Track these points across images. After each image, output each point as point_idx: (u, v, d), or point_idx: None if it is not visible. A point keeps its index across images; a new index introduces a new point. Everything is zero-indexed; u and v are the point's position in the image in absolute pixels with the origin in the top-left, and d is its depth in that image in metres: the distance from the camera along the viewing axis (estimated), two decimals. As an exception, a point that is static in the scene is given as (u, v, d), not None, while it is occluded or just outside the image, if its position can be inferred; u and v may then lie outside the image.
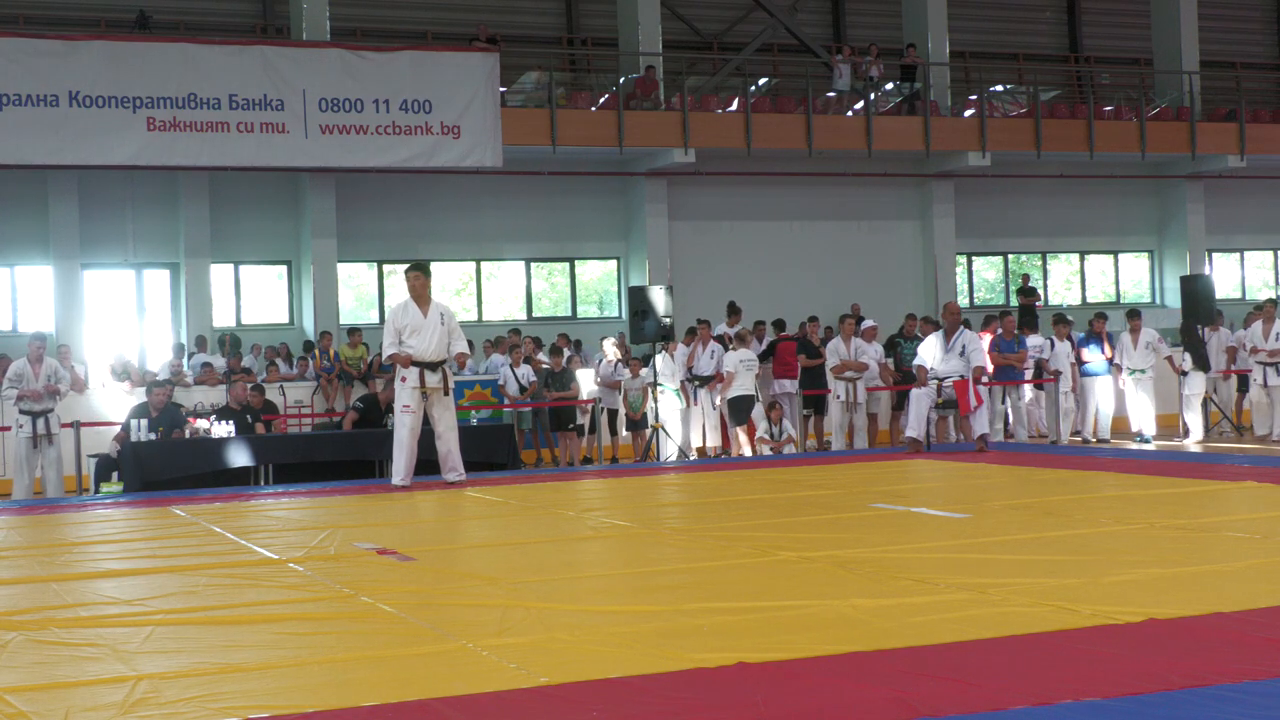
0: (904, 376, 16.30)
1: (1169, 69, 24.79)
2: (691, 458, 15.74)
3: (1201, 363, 16.26)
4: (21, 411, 13.33)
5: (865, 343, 16.34)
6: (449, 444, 11.35)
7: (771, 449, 15.69)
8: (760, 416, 15.97)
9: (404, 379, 11.15)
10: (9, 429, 13.79)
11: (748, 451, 15.77)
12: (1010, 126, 22.80)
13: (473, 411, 15.70)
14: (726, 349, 16.41)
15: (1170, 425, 16.78)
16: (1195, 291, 17.29)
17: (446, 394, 11.32)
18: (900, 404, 16.42)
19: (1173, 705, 3.74)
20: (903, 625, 4.88)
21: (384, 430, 14.50)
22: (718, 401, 16.24)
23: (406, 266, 11.58)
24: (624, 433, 16.83)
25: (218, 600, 5.91)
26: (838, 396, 16.03)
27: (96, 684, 4.36)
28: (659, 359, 16.25)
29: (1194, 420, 16.33)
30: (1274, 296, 16.55)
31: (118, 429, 13.50)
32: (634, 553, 7.30)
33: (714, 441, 16.49)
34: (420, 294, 11.26)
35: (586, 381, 17.32)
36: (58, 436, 13.41)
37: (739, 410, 15.83)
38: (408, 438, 11.14)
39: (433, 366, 11.16)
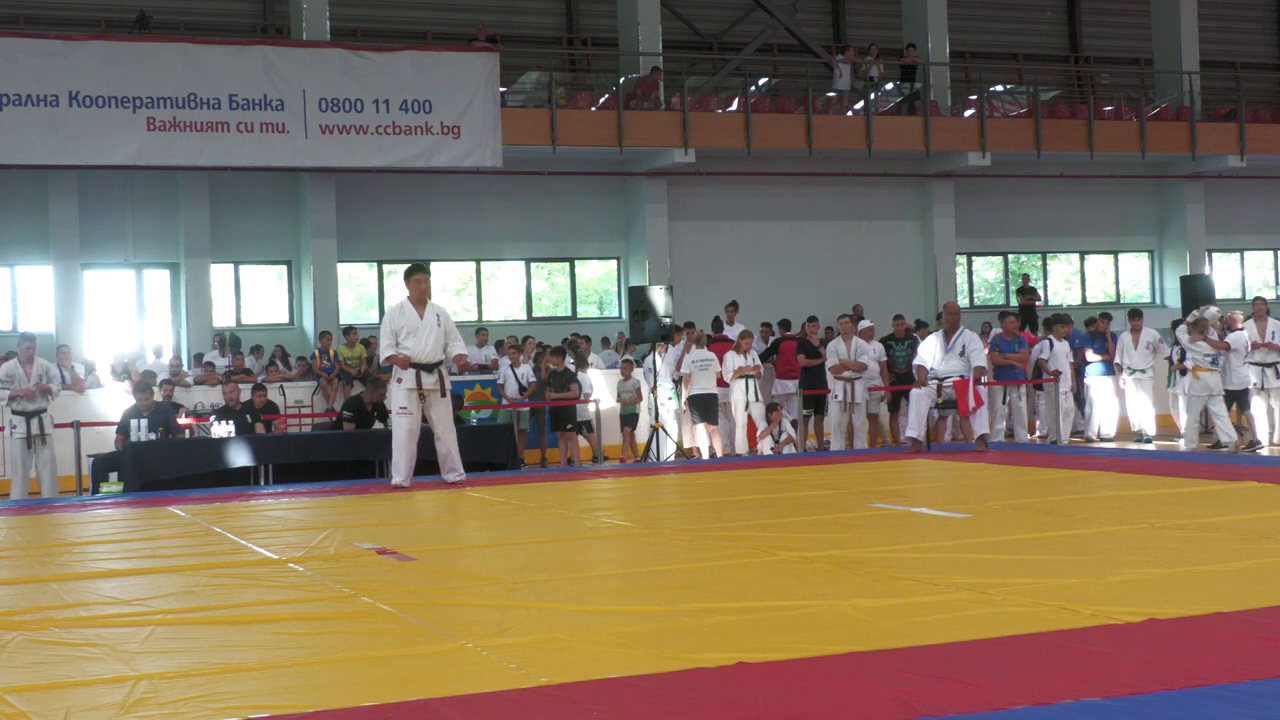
0: (896, 378, 16.31)
1: (1169, 69, 24.79)
2: (703, 457, 15.74)
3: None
4: (14, 412, 13.35)
5: (864, 342, 16.33)
6: (448, 444, 11.26)
7: (771, 449, 15.69)
8: (760, 416, 15.98)
9: (399, 380, 11.06)
10: (2, 429, 13.81)
11: (718, 450, 15.78)
12: (1010, 126, 22.80)
13: (472, 411, 15.73)
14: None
15: (1168, 426, 16.79)
16: (1195, 291, 17.30)
17: (444, 395, 11.22)
18: (896, 405, 16.43)
19: (1173, 705, 3.74)
20: (903, 625, 4.88)
21: (384, 431, 14.52)
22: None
23: (408, 268, 11.41)
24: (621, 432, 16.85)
25: (218, 600, 5.91)
26: (835, 396, 16.03)
27: (96, 684, 4.35)
28: (657, 359, 16.28)
29: (1186, 422, 16.35)
30: (1261, 295, 16.65)
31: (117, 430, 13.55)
32: (634, 553, 7.29)
33: (691, 442, 16.51)
34: (422, 297, 11.17)
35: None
36: (51, 437, 13.42)
37: (696, 409, 15.86)
38: (406, 439, 11.08)
39: (429, 368, 11.06)
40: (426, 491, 10.88)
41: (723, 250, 22.26)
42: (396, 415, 11.14)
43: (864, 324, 16.80)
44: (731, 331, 17.58)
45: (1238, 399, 15.18)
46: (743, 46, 24.10)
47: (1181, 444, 14.87)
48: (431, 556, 7.08)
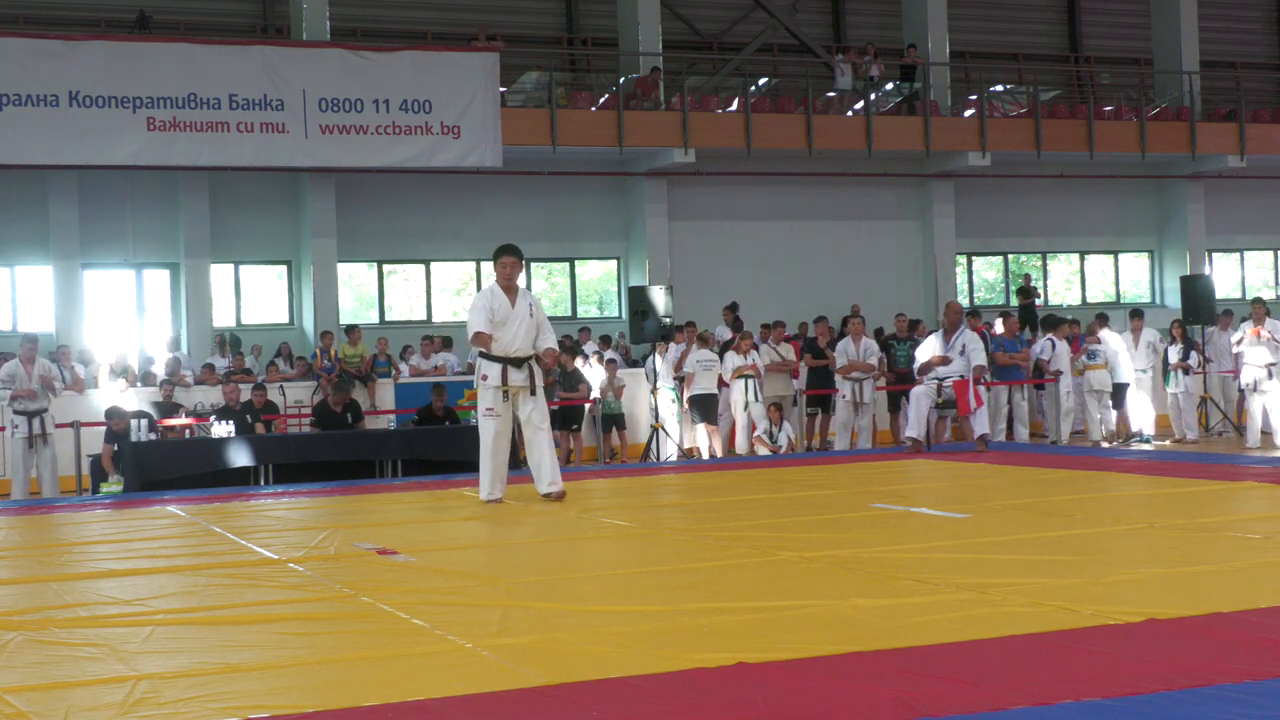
0: (897, 377, 16.33)
1: (1169, 69, 24.79)
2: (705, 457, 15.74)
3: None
4: (16, 412, 13.36)
5: (874, 343, 16.36)
6: (540, 451, 9.74)
7: (770, 450, 15.69)
8: (760, 416, 15.98)
9: (485, 377, 9.65)
10: (3, 429, 13.81)
11: (718, 451, 15.78)
12: (1010, 126, 22.80)
13: (473, 411, 15.72)
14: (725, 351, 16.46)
15: (1168, 426, 16.82)
16: (1195, 291, 17.30)
17: (534, 394, 9.75)
18: (895, 405, 16.45)
19: (1173, 705, 3.73)
20: (903, 625, 4.87)
21: (383, 431, 14.53)
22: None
23: (497, 249, 9.88)
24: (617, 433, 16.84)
25: (218, 600, 5.90)
26: (844, 396, 16.06)
27: (96, 684, 4.35)
28: (658, 359, 16.29)
29: (1190, 421, 16.40)
30: (1260, 297, 16.77)
31: (106, 443, 13.60)
32: (634, 553, 7.29)
33: (692, 442, 16.52)
34: (511, 282, 9.74)
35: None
36: (52, 436, 13.43)
37: (699, 409, 15.85)
38: (492, 445, 9.66)
39: (518, 363, 9.68)
40: (427, 492, 10.88)
41: (723, 250, 22.25)
42: (483, 418, 9.74)
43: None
44: (728, 333, 17.63)
45: (1117, 393, 16.58)
46: (743, 46, 24.10)
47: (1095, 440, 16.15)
48: (432, 556, 7.07)
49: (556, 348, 10.00)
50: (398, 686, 4.22)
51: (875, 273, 22.99)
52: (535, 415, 9.75)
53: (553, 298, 22.57)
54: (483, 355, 9.68)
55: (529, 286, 22.11)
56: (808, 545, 6.86)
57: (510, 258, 9.72)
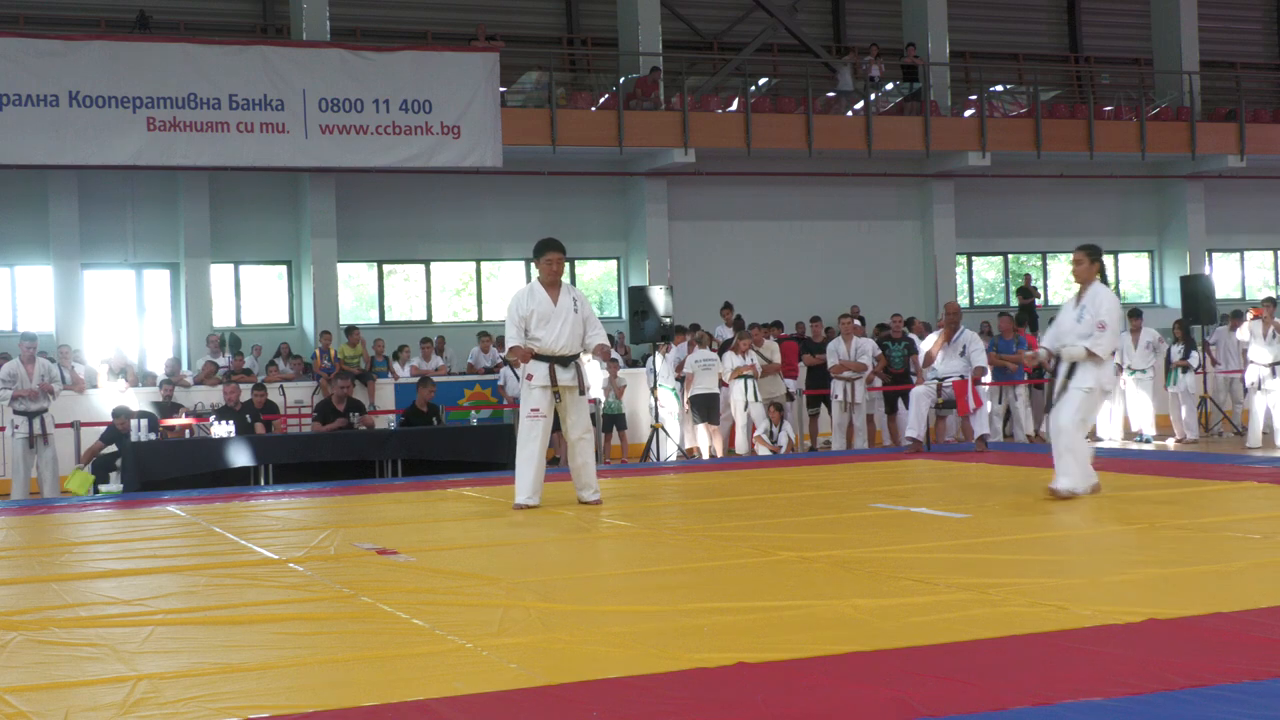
0: (892, 378, 16.35)
1: (1169, 69, 24.80)
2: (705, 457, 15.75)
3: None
4: (16, 412, 13.36)
5: (865, 342, 16.36)
6: (584, 455, 9.48)
7: (770, 449, 15.69)
8: (760, 416, 15.98)
9: (530, 376, 9.31)
10: (3, 429, 13.81)
11: (719, 451, 15.79)
12: (1010, 126, 22.80)
13: (472, 411, 15.77)
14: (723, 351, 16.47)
15: (1168, 426, 16.83)
16: (1195, 291, 17.31)
17: (582, 394, 9.52)
18: (891, 406, 16.46)
19: (1173, 705, 3.74)
20: (903, 625, 4.88)
21: (384, 431, 14.53)
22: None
23: (538, 244, 9.56)
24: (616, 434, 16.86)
25: (218, 600, 5.91)
26: (836, 396, 16.06)
27: (96, 684, 4.35)
28: (658, 359, 16.29)
29: (1190, 421, 16.41)
30: (1271, 297, 16.81)
31: (99, 440, 13.61)
32: (634, 553, 7.30)
33: (692, 442, 16.52)
34: (555, 278, 9.44)
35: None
36: (53, 436, 13.43)
37: (699, 409, 15.87)
38: (537, 449, 9.26)
39: (564, 361, 9.34)
40: (428, 492, 10.88)
41: (723, 250, 22.25)
42: (526, 419, 9.36)
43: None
44: (726, 333, 17.61)
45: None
46: (743, 46, 24.09)
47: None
48: (431, 556, 7.08)
49: (607, 342, 9.67)
50: (398, 686, 4.22)
51: (875, 273, 22.99)
52: (580, 418, 9.52)
53: (553, 298, 22.55)
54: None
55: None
56: (808, 545, 6.86)
57: (557, 254, 9.40)
